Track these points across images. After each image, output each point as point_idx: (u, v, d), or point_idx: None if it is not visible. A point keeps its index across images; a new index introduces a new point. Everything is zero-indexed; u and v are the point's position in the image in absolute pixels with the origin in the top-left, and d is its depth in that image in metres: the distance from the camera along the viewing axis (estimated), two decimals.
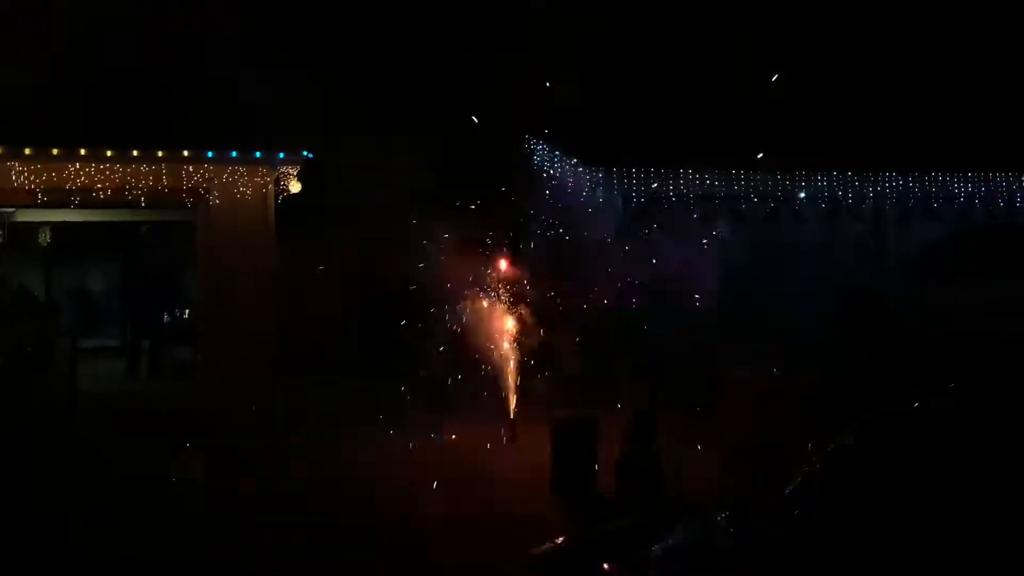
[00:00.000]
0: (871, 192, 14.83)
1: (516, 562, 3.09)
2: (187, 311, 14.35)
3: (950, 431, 2.84)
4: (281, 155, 11.87)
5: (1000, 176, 15.44)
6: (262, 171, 11.91)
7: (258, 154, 11.75)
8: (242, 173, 11.82)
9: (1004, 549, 2.19)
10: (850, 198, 14.75)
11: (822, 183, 14.44)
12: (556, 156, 14.32)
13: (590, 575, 2.81)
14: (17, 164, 10.79)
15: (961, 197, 15.29)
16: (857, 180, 14.61)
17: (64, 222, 13.55)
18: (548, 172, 14.56)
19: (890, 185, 14.86)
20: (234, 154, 11.64)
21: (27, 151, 10.73)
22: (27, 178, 10.89)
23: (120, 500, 6.10)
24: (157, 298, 13.30)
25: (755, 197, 14.15)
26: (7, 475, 6.19)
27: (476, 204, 12.68)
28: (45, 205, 11.39)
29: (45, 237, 14.38)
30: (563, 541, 3.18)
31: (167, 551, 5.12)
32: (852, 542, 2.43)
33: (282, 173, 12.16)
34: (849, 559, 2.36)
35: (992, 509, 2.37)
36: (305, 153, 11.97)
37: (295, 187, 12.23)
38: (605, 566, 2.79)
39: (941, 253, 11.05)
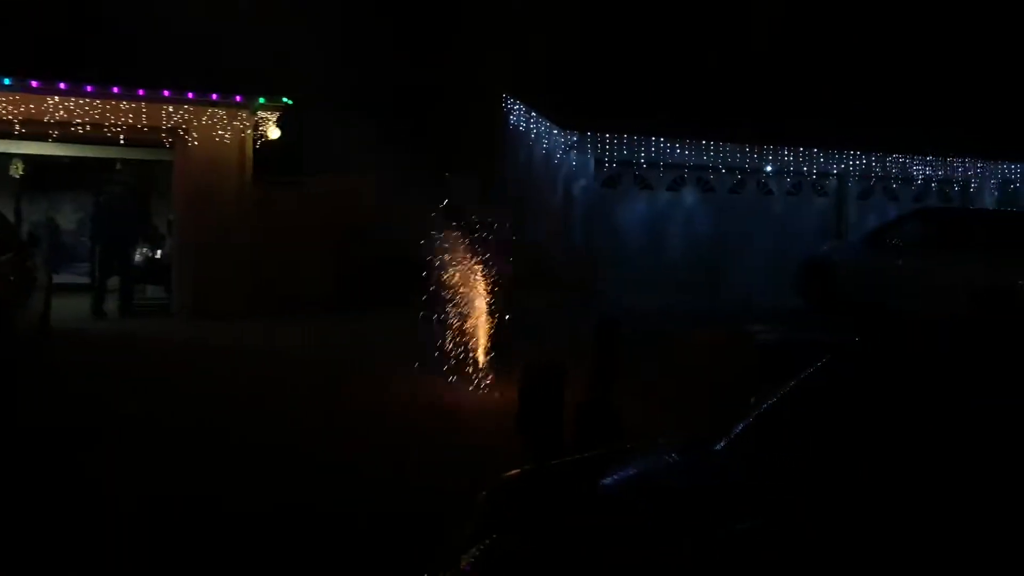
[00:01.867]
0: (835, 169, 15.32)
1: (480, 489, 3.33)
2: (158, 251, 14.42)
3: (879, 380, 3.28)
4: (261, 100, 11.97)
5: (957, 162, 16.02)
6: (242, 115, 12.00)
7: (238, 98, 11.84)
8: (222, 116, 11.91)
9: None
10: (814, 174, 15.24)
11: (788, 158, 14.89)
12: (532, 116, 14.56)
13: (547, 500, 3.07)
14: None
15: (919, 179, 15.86)
16: (822, 157, 15.08)
17: (38, 155, 13.52)
18: (522, 130, 14.81)
19: (853, 163, 15.36)
20: (214, 96, 11.72)
21: (6, 81, 10.71)
22: (4, 108, 10.89)
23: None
24: (129, 236, 13.30)
25: (723, 168, 14.56)
26: None
27: (449, 157, 12.93)
28: (22, 137, 11.41)
29: (17, 169, 14.33)
30: (525, 469, 3.42)
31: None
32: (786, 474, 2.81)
33: (261, 118, 12.27)
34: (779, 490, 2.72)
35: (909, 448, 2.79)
36: (285, 100, 12.08)
37: (274, 133, 12.36)
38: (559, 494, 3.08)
39: (895, 230, 11.55)
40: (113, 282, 12.96)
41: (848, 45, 16.93)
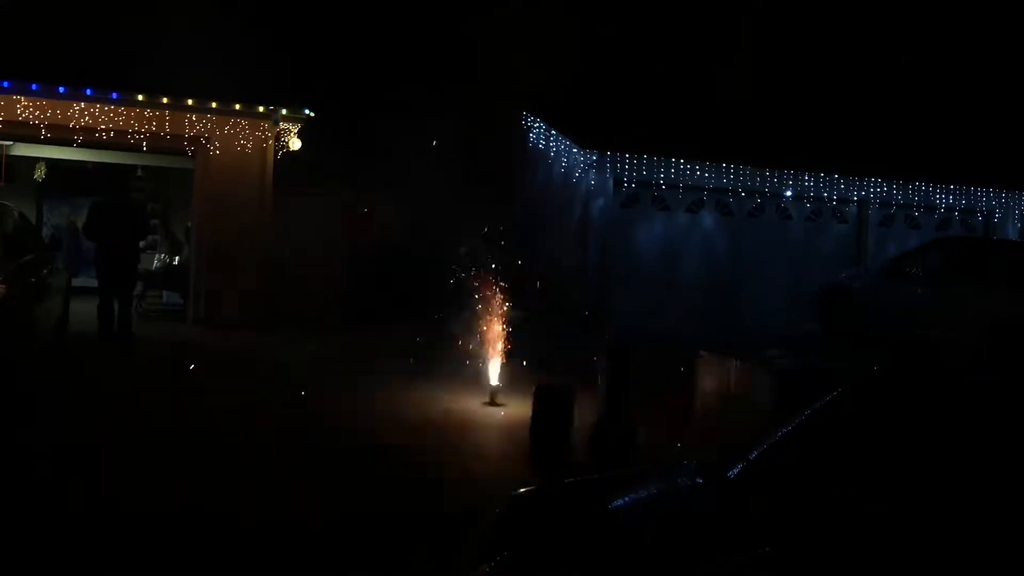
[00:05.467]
0: (855, 196, 15.21)
1: (498, 503, 3.29)
2: (177, 257, 14.51)
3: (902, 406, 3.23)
4: (283, 111, 12.05)
5: (980, 191, 15.86)
6: (264, 125, 12.08)
7: (261, 108, 11.93)
8: (244, 126, 11.99)
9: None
10: (835, 200, 15.13)
11: (808, 183, 14.80)
12: (552, 134, 14.57)
13: (563, 516, 3.03)
14: (23, 99, 10.91)
15: (941, 208, 15.72)
16: (843, 183, 14.98)
17: (61, 159, 13.66)
18: (541, 148, 14.82)
19: (874, 191, 15.24)
20: (237, 106, 11.81)
21: (33, 87, 10.84)
22: (32, 113, 11.01)
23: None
24: (127, 244, 12.76)
25: (742, 191, 14.49)
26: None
27: (468, 174, 12.97)
28: (48, 142, 11.53)
29: (40, 173, 14.48)
30: (540, 487, 3.39)
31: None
32: (809, 499, 2.76)
33: (283, 129, 12.34)
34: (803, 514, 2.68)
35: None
36: (307, 111, 12.15)
37: (295, 144, 12.42)
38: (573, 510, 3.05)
39: (915, 259, 11.42)
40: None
41: (873, 72, 16.88)
